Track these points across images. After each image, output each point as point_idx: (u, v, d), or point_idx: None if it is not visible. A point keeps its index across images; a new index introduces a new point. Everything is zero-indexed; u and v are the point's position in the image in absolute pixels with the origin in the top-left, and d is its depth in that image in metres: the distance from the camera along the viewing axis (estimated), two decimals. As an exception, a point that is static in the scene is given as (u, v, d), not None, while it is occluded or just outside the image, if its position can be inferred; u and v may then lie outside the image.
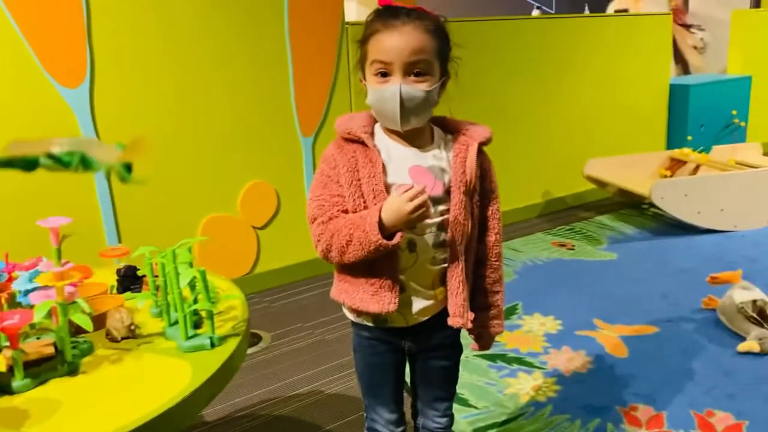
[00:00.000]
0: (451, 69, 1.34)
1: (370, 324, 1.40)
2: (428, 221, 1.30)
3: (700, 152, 4.25)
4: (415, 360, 1.48)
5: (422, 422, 1.56)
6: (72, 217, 1.24)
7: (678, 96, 4.84)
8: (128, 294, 1.54)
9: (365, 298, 1.32)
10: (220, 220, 3.18)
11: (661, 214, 4.13)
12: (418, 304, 1.36)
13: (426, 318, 1.38)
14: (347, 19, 3.40)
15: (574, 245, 3.77)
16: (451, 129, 1.38)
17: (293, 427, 2.19)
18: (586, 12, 7.43)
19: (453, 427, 1.57)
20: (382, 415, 1.50)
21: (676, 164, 4.33)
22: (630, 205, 4.42)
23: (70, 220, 1.19)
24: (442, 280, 1.36)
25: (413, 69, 1.26)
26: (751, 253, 3.47)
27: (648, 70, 4.77)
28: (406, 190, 1.22)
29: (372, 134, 1.35)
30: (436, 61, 1.28)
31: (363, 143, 1.31)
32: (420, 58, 1.25)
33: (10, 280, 1.32)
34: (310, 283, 3.44)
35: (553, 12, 8.33)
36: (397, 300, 1.31)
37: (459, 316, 1.34)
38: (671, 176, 4.24)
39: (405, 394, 1.56)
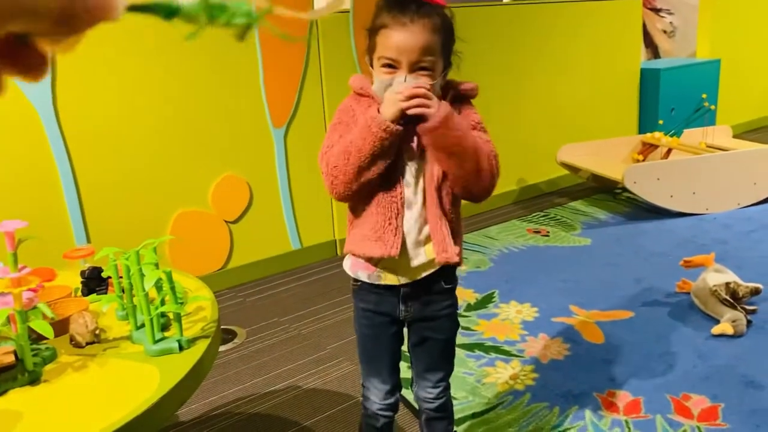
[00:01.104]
0: (454, 61, 1.38)
1: (366, 280, 1.44)
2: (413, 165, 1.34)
3: (671, 136, 4.28)
4: (410, 329, 1.53)
5: (417, 391, 1.61)
6: (39, 216, 1.19)
7: (649, 80, 4.86)
8: (93, 296, 1.49)
9: (367, 243, 1.37)
10: (191, 215, 3.11)
11: (634, 198, 4.15)
12: (412, 259, 1.40)
13: (418, 277, 1.41)
14: (317, 7, 3.34)
15: (548, 231, 3.78)
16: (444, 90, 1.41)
17: (270, 424, 2.16)
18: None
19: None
20: (374, 384, 1.56)
21: (647, 148, 4.35)
22: (603, 190, 4.44)
23: (26, 224, 1.14)
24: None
25: (419, 65, 1.29)
26: (722, 236, 3.51)
27: (619, 55, 4.78)
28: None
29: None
30: (440, 57, 1.33)
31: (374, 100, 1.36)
32: (427, 57, 1.29)
33: (-34, 286, 1.26)
34: (284, 277, 3.40)
35: (524, -3, 8.32)
36: (399, 245, 1.34)
37: (443, 250, 1.36)
38: (643, 160, 4.26)
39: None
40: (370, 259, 1.41)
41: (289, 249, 3.48)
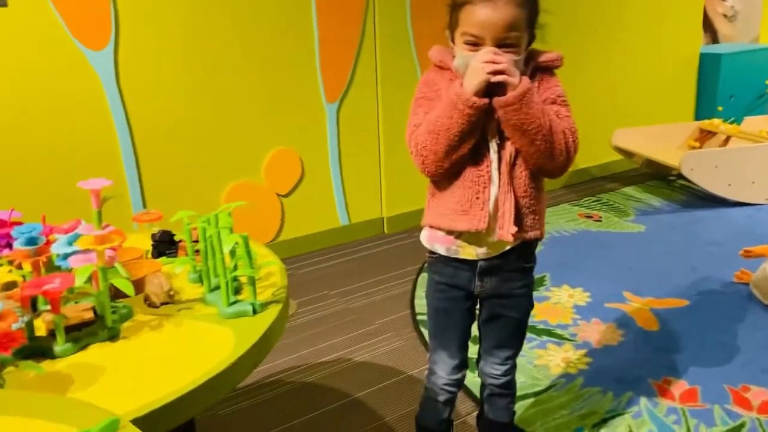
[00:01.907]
0: (537, 34, 1.35)
1: (444, 254, 1.43)
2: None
3: (730, 123, 4.15)
4: (482, 305, 1.51)
5: (482, 366, 1.59)
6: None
7: (708, 65, 4.71)
8: (164, 259, 1.51)
9: (455, 217, 1.36)
10: (244, 187, 3.14)
11: (688, 186, 4.05)
12: (492, 233, 1.38)
13: (495, 253, 1.39)
14: (374, -18, 3.32)
15: (601, 216, 3.72)
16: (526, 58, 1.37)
17: (321, 393, 2.19)
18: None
19: None
20: (442, 358, 1.54)
21: (705, 135, 4.23)
22: (657, 176, 4.34)
23: (111, 183, 1.16)
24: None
25: (503, 42, 1.27)
26: (782, 227, 3.40)
27: (678, 39, 4.64)
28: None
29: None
30: (525, 32, 1.30)
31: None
32: (512, 33, 1.26)
33: (48, 243, 1.29)
34: (334, 251, 3.42)
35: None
36: (486, 219, 1.33)
37: (500, 227, 1.35)
38: (700, 147, 4.15)
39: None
40: (451, 232, 1.40)
41: (337, 225, 3.49)
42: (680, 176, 3.85)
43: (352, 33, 3.31)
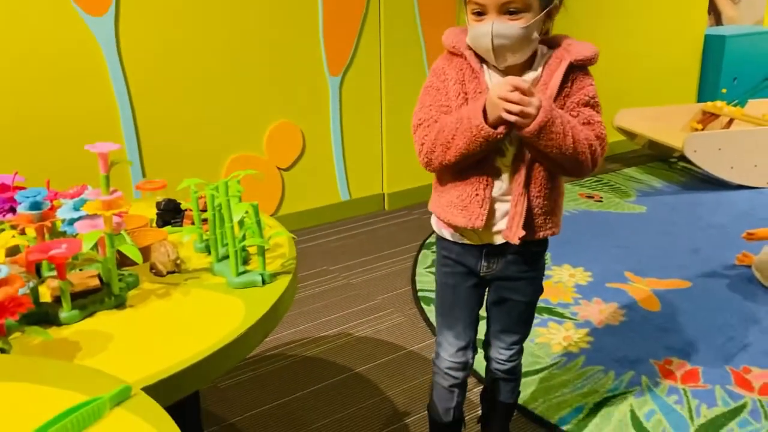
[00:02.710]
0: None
1: (450, 238, 1.41)
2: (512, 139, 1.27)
3: (734, 106, 4.12)
4: (490, 287, 1.48)
5: (490, 352, 1.57)
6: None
7: (712, 47, 4.68)
8: (170, 228, 1.48)
9: (453, 210, 1.34)
10: (245, 159, 3.11)
11: (689, 168, 4.04)
12: (495, 225, 1.35)
13: (501, 241, 1.35)
14: (379, -47, 3.26)
15: (602, 197, 3.70)
16: (555, 47, 1.32)
17: (322, 367, 2.18)
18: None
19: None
20: (447, 339, 1.50)
21: (708, 117, 4.21)
22: (658, 158, 4.32)
23: (119, 147, 1.12)
24: None
25: (507, 8, 1.21)
26: (784, 211, 3.40)
27: (682, 20, 4.60)
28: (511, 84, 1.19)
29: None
30: None
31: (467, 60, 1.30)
32: None
33: (53, 208, 1.26)
34: (334, 226, 3.40)
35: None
36: (484, 217, 1.30)
37: (508, 228, 1.32)
38: (702, 130, 4.13)
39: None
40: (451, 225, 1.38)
41: (338, 200, 3.47)
42: (682, 158, 3.83)
43: (356, 5, 3.25)
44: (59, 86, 2.58)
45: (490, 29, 1.20)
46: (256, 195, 3.13)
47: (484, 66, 1.30)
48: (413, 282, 2.77)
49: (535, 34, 1.24)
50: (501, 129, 1.21)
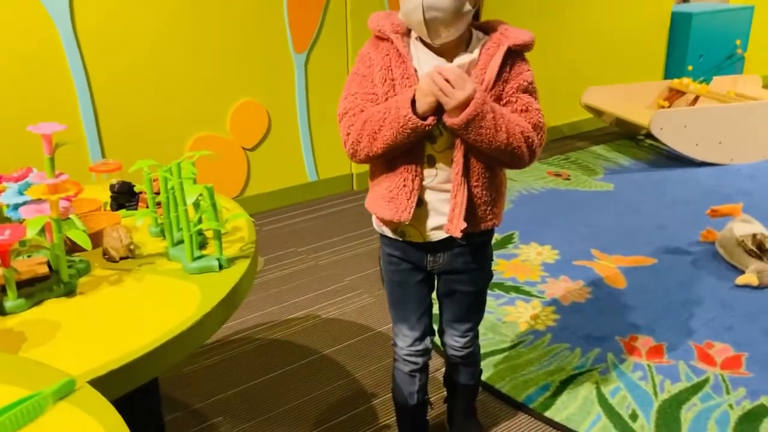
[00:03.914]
0: None
1: (391, 236, 1.38)
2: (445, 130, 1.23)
3: (700, 83, 4.15)
4: (439, 279, 1.46)
5: (444, 338, 1.56)
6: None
7: (679, 25, 4.69)
8: (124, 212, 1.43)
9: (381, 203, 1.31)
10: (208, 139, 3.04)
11: (656, 145, 4.07)
12: (434, 220, 1.32)
13: (444, 237, 1.33)
14: (344, -74, 3.19)
15: (569, 175, 3.71)
16: (491, 31, 1.29)
17: (290, 350, 2.15)
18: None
19: None
20: (402, 330, 1.49)
21: (674, 95, 4.23)
22: (625, 135, 4.34)
23: (65, 127, 1.07)
24: None
25: None
26: (747, 187, 3.44)
27: (650, -3, 4.60)
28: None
29: (406, 34, 1.28)
30: None
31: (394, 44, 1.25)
32: None
33: (-3, 192, 1.21)
34: (302, 207, 3.35)
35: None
36: (412, 209, 1.27)
37: (449, 220, 1.28)
38: (669, 107, 4.15)
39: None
40: (384, 219, 1.34)
41: (305, 180, 3.42)
42: (648, 135, 3.86)
43: (321, -20, 3.18)
44: (11, 65, 2.48)
45: (420, 2, 1.16)
46: (220, 176, 3.08)
47: (412, 49, 1.27)
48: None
49: (468, 6, 1.19)
50: (430, 120, 1.18)
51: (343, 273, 2.67)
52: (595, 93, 4.11)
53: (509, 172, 1.38)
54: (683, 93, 4.18)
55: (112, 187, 1.46)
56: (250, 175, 3.22)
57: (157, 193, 1.32)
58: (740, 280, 2.47)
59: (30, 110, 2.52)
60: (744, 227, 2.62)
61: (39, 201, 1.10)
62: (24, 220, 1.11)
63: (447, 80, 1.14)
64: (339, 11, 3.26)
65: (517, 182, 3.55)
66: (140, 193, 1.46)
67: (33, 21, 2.49)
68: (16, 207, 1.15)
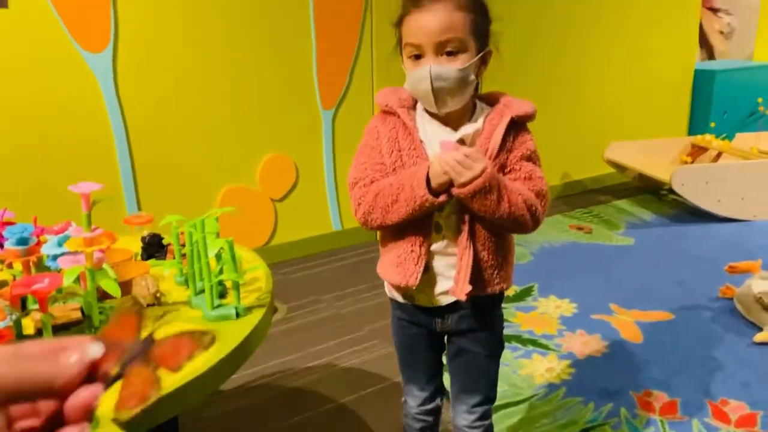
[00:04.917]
0: (492, 44, 1.30)
1: (401, 300, 1.41)
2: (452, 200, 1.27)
3: (722, 139, 4.19)
4: (448, 340, 1.46)
5: (453, 416, 1.52)
6: (93, 181, 1.24)
7: (702, 81, 4.77)
8: (153, 261, 1.54)
9: (391, 268, 1.34)
10: (239, 191, 3.18)
11: (679, 200, 4.10)
12: (442, 285, 1.35)
13: (451, 300, 1.35)
14: (372, -8, 3.37)
15: (591, 229, 3.75)
16: (495, 103, 1.34)
17: (308, 398, 2.21)
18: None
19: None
20: (412, 391, 1.51)
21: (697, 151, 4.28)
22: (648, 190, 4.38)
23: (101, 186, 1.19)
24: None
25: (444, 48, 1.22)
26: (770, 243, 3.44)
27: (673, 54, 4.70)
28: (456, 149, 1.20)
29: (412, 108, 1.34)
30: (470, 37, 1.24)
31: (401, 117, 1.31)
32: (450, 36, 1.21)
33: (39, 244, 1.32)
34: (326, 256, 3.45)
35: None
36: (419, 274, 1.30)
37: (455, 283, 1.31)
38: (692, 163, 4.19)
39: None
40: (393, 284, 1.37)
41: (330, 230, 3.53)
42: (671, 191, 3.89)
43: (349, 40, 3.35)
44: (57, 122, 2.66)
45: (428, 72, 1.21)
46: (249, 225, 3.21)
47: (418, 121, 1.32)
48: (401, 313, 2.81)
49: (472, 77, 1.25)
50: (443, 198, 1.22)
51: (363, 322, 2.73)
52: (618, 148, 4.17)
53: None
54: (706, 149, 4.22)
55: (143, 239, 1.58)
56: (278, 225, 3.34)
57: (183, 246, 1.43)
58: (758, 337, 2.47)
59: (74, 166, 2.69)
60: (763, 284, 2.63)
61: (76, 252, 1.21)
62: (61, 269, 1.22)
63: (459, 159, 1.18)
64: (365, 70, 3.42)
65: (540, 235, 3.61)
66: (168, 245, 1.57)
67: (79, 83, 2.68)
68: (55, 257, 1.27)
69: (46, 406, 0.43)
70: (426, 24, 1.21)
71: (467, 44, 1.24)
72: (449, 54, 1.23)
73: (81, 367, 0.41)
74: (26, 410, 0.42)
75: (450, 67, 1.22)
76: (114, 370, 0.45)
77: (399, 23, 1.28)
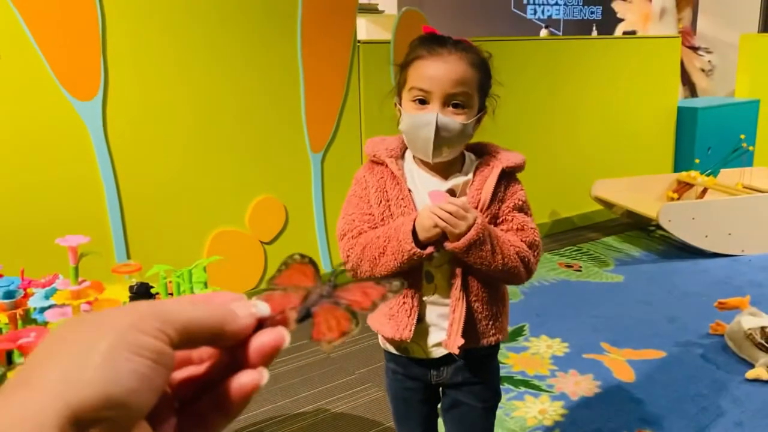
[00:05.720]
0: (489, 105, 1.33)
1: (395, 352, 1.39)
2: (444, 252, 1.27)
3: (707, 175, 4.25)
4: (443, 392, 1.45)
5: None
6: (82, 230, 1.25)
7: (686, 119, 4.85)
8: (141, 311, 1.53)
9: (383, 321, 1.33)
10: (228, 234, 3.18)
11: (667, 236, 4.13)
12: (435, 336, 1.33)
13: (446, 352, 1.33)
14: (359, 37, 3.43)
15: (581, 266, 3.77)
16: (483, 153, 1.36)
17: (299, 446, 2.19)
18: (594, 33, 7.47)
19: None
20: None
21: (683, 187, 4.33)
22: (637, 226, 4.42)
23: (89, 239, 1.19)
24: None
25: (452, 100, 1.25)
26: (758, 278, 3.46)
27: (656, 93, 4.79)
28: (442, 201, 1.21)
29: (400, 157, 1.35)
30: (476, 94, 1.27)
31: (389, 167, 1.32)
32: (461, 90, 1.24)
33: (26, 296, 1.32)
34: (316, 299, 3.43)
35: (561, 33, 8.38)
36: (412, 327, 1.29)
37: (447, 336, 1.29)
38: (678, 199, 4.24)
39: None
40: (386, 337, 1.36)
41: (320, 272, 3.51)
42: (659, 226, 3.92)
43: (337, 84, 3.40)
44: (45, 171, 2.66)
45: (434, 119, 1.22)
46: (238, 269, 3.20)
47: (406, 171, 1.33)
48: (392, 355, 2.79)
49: (470, 130, 1.28)
50: (429, 249, 1.22)
51: (353, 366, 2.72)
52: (604, 186, 4.22)
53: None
54: (692, 185, 4.28)
55: (131, 288, 1.57)
56: (267, 268, 3.34)
57: (171, 295, 1.43)
58: (750, 374, 2.47)
59: (62, 215, 2.68)
60: (752, 320, 2.64)
61: (63, 305, 1.21)
62: (48, 322, 1.21)
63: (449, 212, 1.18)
64: (354, 115, 3.47)
65: (529, 274, 3.61)
66: (156, 294, 1.57)
67: (68, 131, 2.69)
68: (42, 310, 1.26)
69: (199, 356, 0.43)
70: (441, 74, 1.23)
71: (473, 100, 1.27)
72: (455, 106, 1.25)
73: (252, 319, 0.42)
74: (183, 358, 0.42)
75: (456, 120, 1.24)
76: (296, 314, 0.46)
77: (406, 66, 1.29)
